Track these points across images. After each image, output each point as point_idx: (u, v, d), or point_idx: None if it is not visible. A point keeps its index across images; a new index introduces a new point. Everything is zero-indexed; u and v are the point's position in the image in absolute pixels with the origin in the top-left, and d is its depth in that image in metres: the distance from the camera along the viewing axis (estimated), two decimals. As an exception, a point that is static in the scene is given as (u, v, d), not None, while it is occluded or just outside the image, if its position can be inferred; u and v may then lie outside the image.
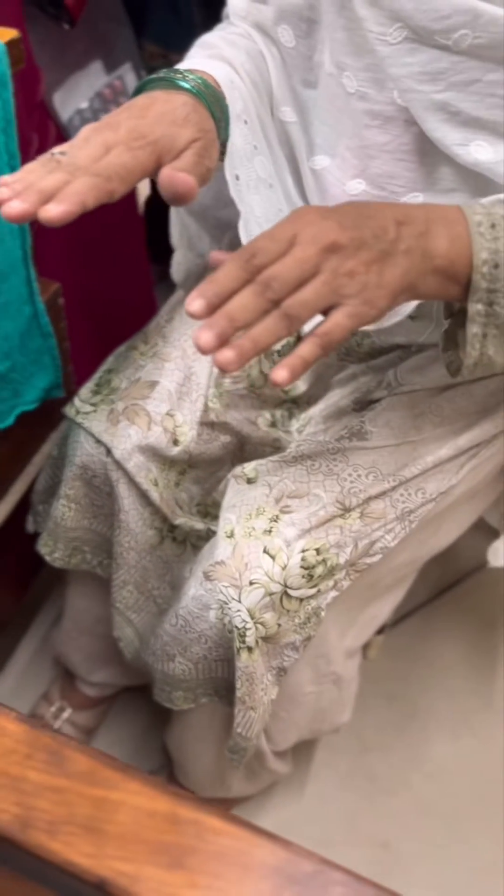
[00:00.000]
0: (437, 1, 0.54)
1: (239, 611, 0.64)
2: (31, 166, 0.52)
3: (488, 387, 0.69)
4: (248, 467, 0.70)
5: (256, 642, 0.65)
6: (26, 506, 0.87)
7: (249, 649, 0.65)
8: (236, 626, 0.64)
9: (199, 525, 0.75)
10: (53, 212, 0.48)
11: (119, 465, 0.70)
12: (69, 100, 0.99)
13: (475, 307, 0.53)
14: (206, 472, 0.77)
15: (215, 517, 0.77)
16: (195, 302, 0.48)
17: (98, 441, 0.71)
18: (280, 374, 0.48)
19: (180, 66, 0.63)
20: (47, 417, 0.90)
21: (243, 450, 0.77)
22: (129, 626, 0.79)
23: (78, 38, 0.97)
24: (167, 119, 0.56)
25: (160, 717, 1.06)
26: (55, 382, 0.85)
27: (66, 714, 0.99)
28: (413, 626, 1.17)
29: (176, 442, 0.72)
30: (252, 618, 0.64)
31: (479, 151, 0.58)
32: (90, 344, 0.96)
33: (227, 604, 0.65)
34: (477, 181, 0.61)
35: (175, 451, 0.72)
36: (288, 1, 0.65)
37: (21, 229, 0.75)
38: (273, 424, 0.77)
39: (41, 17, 0.91)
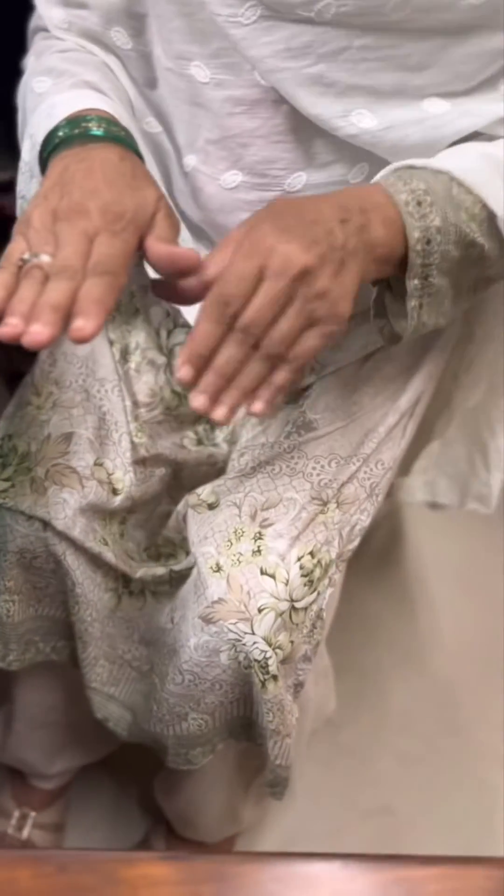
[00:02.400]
0: None
1: (255, 643, 0.60)
2: (6, 280, 0.46)
3: (404, 346, 0.69)
4: (205, 492, 0.65)
5: (278, 668, 0.61)
6: None
7: (274, 678, 0.61)
8: (256, 660, 0.60)
9: (160, 570, 0.68)
10: (88, 329, 0.44)
11: (63, 536, 0.62)
12: None
13: (412, 283, 0.54)
14: (146, 513, 0.70)
15: (169, 556, 0.71)
16: (184, 369, 0.49)
17: (30, 517, 0.62)
18: (257, 406, 0.50)
19: (62, 110, 0.57)
20: None
21: (179, 478, 0.72)
22: (111, 703, 0.71)
23: None
24: (121, 184, 0.51)
25: (126, 784, 0.99)
26: None
27: (30, 820, 0.88)
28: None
29: (115, 491, 0.65)
30: (270, 645, 0.60)
31: (362, 120, 0.57)
32: None
33: (240, 640, 0.60)
34: (351, 149, 0.60)
35: (117, 500, 0.65)
36: (110, 1, 0.59)
37: None
38: (200, 442, 0.72)
39: None
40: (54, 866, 0.34)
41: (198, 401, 0.48)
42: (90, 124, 0.55)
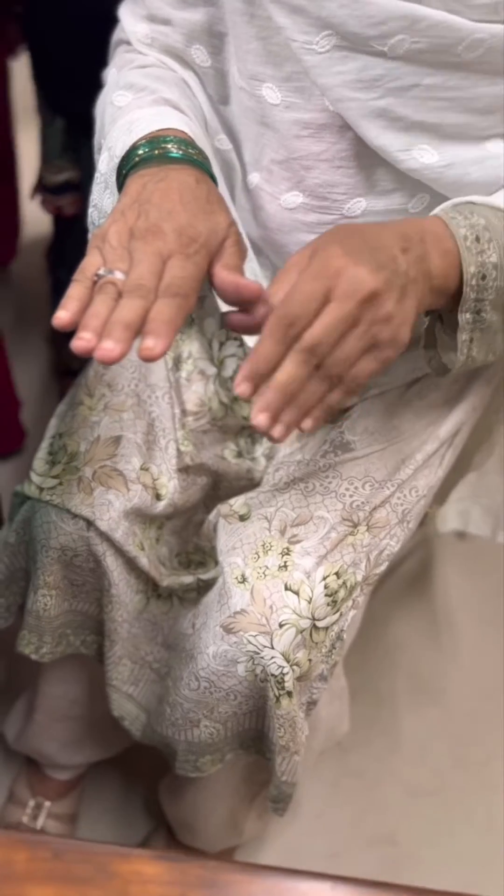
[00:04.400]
0: (371, 7, 0.52)
1: (273, 657, 0.60)
2: (81, 293, 0.47)
3: (449, 376, 0.69)
4: (237, 503, 0.66)
5: (293, 685, 0.61)
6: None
7: (289, 694, 0.61)
8: (272, 675, 0.61)
9: (188, 578, 0.69)
10: (157, 349, 0.45)
11: (105, 537, 0.64)
12: None
13: (465, 317, 0.55)
14: (183, 520, 0.71)
15: (199, 564, 0.72)
16: (243, 385, 0.49)
17: (75, 516, 0.63)
18: (307, 423, 0.50)
19: (142, 127, 0.58)
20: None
21: (218, 488, 0.73)
22: (129, 702, 0.72)
23: None
24: (196, 207, 0.52)
25: (135, 781, 1.00)
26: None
27: (45, 809, 0.89)
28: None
29: (158, 497, 0.66)
30: (288, 661, 0.61)
31: (424, 156, 0.58)
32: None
33: (258, 653, 0.61)
34: (412, 180, 0.61)
35: (160, 506, 0.66)
36: (193, 18, 0.61)
37: None
38: (240, 454, 0.73)
39: None
40: (50, 852, 0.35)
41: (260, 419, 0.48)
42: (169, 145, 0.56)
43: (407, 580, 1.25)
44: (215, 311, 0.72)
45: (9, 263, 1.44)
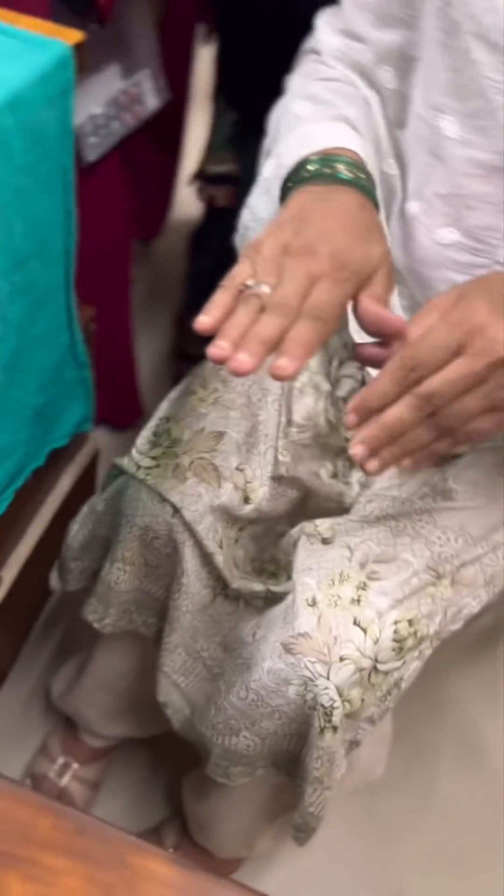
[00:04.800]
0: None
1: (327, 688, 0.59)
2: (226, 301, 0.48)
3: None
4: (323, 525, 0.65)
5: (341, 721, 0.60)
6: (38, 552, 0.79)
7: (334, 729, 0.60)
8: (322, 705, 0.60)
9: (258, 586, 0.69)
10: (290, 370, 0.46)
11: (187, 527, 0.64)
12: (83, 104, 0.91)
13: None
14: (264, 528, 0.71)
15: (271, 574, 0.72)
16: (351, 416, 0.49)
17: (164, 500, 0.64)
18: (407, 463, 0.50)
19: (317, 141, 0.58)
20: (65, 451, 0.83)
21: (306, 505, 0.72)
22: (175, 691, 0.72)
23: (98, 38, 0.89)
24: (356, 233, 0.52)
25: (161, 766, 1.01)
26: (86, 415, 0.78)
27: (71, 770, 0.91)
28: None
29: (247, 500, 0.66)
30: (340, 696, 0.59)
31: None
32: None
33: (312, 680, 0.60)
34: None
35: (246, 509, 0.66)
36: (388, 40, 0.61)
37: (66, 249, 0.67)
38: (334, 475, 0.72)
39: (66, 14, 0.83)
40: (74, 826, 0.36)
41: (357, 450, 0.48)
42: (340, 166, 0.56)
43: (477, 637, 1.20)
44: (341, 329, 0.71)
45: (152, 239, 1.48)
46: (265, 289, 0.48)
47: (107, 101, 0.93)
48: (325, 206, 0.53)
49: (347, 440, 0.73)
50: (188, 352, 1.29)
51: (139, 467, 0.65)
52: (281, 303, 0.48)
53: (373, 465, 0.49)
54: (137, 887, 0.36)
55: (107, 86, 0.93)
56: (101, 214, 0.92)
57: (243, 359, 0.45)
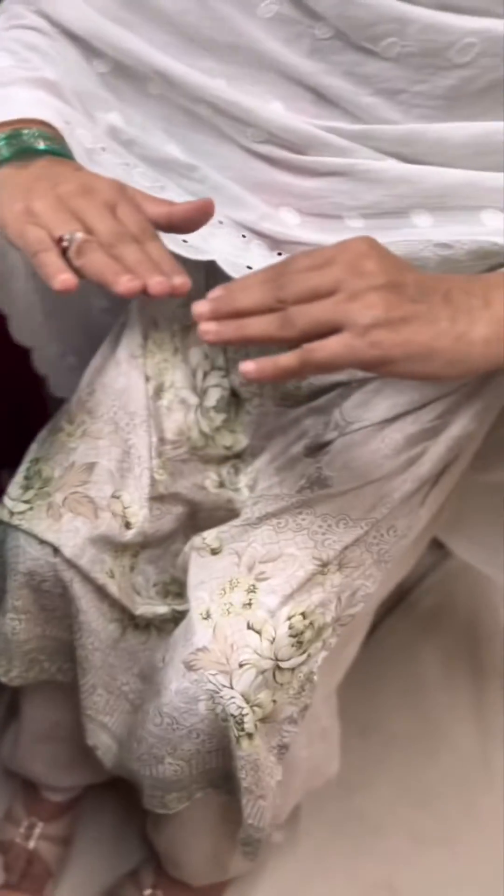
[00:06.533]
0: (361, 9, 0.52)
1: (233, 698, 0.59)
2: (59, 263, 0.48)
3: (436, 409, 0.67)
4: (210, 536, 0.65)
5: (255, 726, 0.60)
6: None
7: (250, 735, 0.60)
8: (232, 715, 0.59)
9: (162, 609, 0.69)
10: (189, 283, 0.48)
11: (71, 564, 0.64)
12: None
13: None
14: (159, 549, 0.71)
15: (176, 595, 0.71)
16: (202, 304, 0.48)
17: (42, 542, 0.64)
18: (248, 366, 0.47)
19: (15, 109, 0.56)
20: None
21: (196, 518, 0.72)
22: (103, 732, 0.72)
23: None
24: (84, 171, 0.53)
25: (133, 808, 0.99)
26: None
27: (38, 830, 0.90)
28: (370, 652, 1.15)
29: (128, 525, 0.66)
30: (248, 702, 0.59)
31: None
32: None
33: (217, 692, 0.59)
34: None
35: (129, 535, 0.66)
36: None
37: None
38: (221, 485, 0.72)
39: None
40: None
41: (201, 307, 0.47)
42: (34, 140, 0.55)
43: (429, 618, 1.21)
44: (200, 342, 0.71)
45: None
46: (80, 235, 0.48)
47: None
48: (49, 166, 0.53)
49: (227, 448, 0.73)
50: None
51: (12, 514, 0.65)
52: (119, 233, 0.48)
53: (210, 326, 0.47)
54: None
55: None
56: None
57: (159, 280, 0.47)
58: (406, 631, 1.19)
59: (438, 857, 0.98)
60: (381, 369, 0.47)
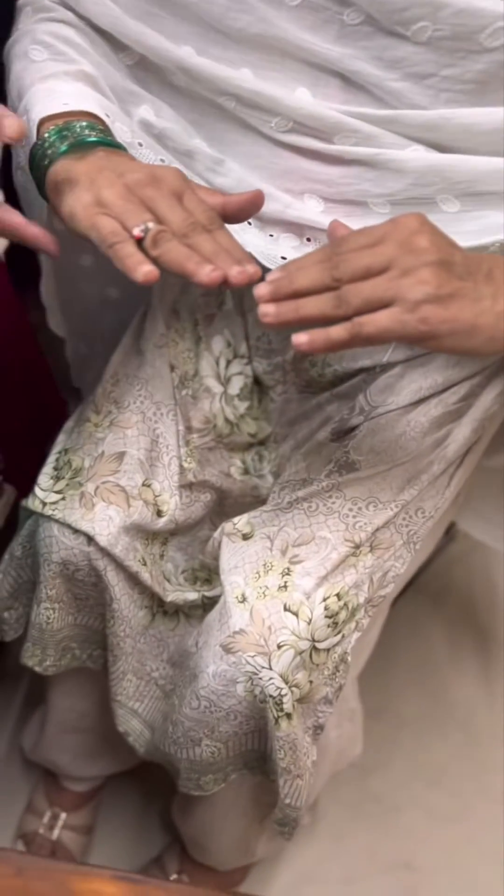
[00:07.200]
0: None
1: (272, 679, 0.60)
2: (138, 255, 0.48)
3: (459, 392, 0.68)
4: (241, 522, 0.66)
5: (293, 707, 0.61)
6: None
7: (288, 716, 0.61)
8: (271, 696, 0.60)
9: (192, 595, 0.70)
10: (258, 272, 0.48)
11: (105, 553, 0.64)
12: None
13: None
14: (188, 536, 0.72)
15: (205, 581, 0.72)
16: (262, 287, 0.48)
17: (76, 531, 0.64)
18: (301, 337, 0.48)
19: (59, 103, 0.56)
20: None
21: (223, 505, 0.73)
22: (134, 718, 0.72)
23: None
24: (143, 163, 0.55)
25: (152, 794, 1.00)
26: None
27: (61, 820, 0.90)
28: (381, 636, 1.17)
29: (160, 513, 0.67)
30: (286, 682, 0.60)
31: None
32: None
33: (256, 674, 0.60)
34: None
35: (160, 522, 0.66)
36: None
37: None
38: (246, 471, 0.73)
39: None
40: (13, 868, 0.36)
41: (262, 289, 0.48)
42: (86, 131, 0.55)
43: (438, 599, 1.22)
44: (223, 330, 0.72)
45: None
46: (153, 225, 0.49)
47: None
48: (107, 157, 0.53)
49: (251, 435, 0.74)
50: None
51: (45, 504, 0.65)
52: (192, 224, 0.49)
53: (270, 308, 0.48)
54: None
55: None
56: None
57: (239, 269, 0.48)
58: (414, 614, 1.21)
59: (455, 834, 1.00)
60: (425, 343, 0.49)
